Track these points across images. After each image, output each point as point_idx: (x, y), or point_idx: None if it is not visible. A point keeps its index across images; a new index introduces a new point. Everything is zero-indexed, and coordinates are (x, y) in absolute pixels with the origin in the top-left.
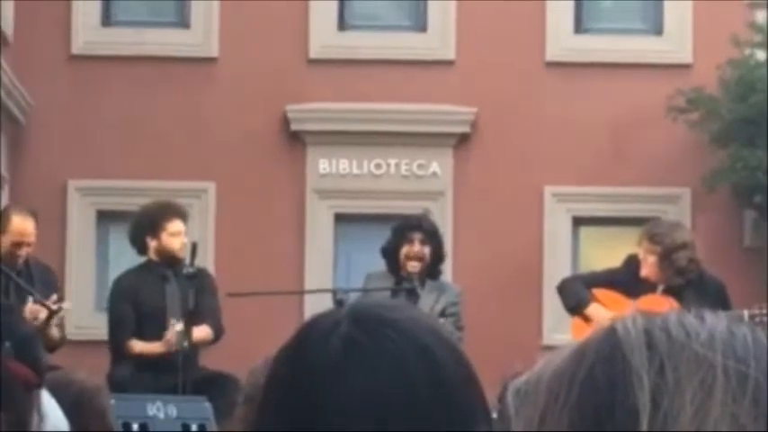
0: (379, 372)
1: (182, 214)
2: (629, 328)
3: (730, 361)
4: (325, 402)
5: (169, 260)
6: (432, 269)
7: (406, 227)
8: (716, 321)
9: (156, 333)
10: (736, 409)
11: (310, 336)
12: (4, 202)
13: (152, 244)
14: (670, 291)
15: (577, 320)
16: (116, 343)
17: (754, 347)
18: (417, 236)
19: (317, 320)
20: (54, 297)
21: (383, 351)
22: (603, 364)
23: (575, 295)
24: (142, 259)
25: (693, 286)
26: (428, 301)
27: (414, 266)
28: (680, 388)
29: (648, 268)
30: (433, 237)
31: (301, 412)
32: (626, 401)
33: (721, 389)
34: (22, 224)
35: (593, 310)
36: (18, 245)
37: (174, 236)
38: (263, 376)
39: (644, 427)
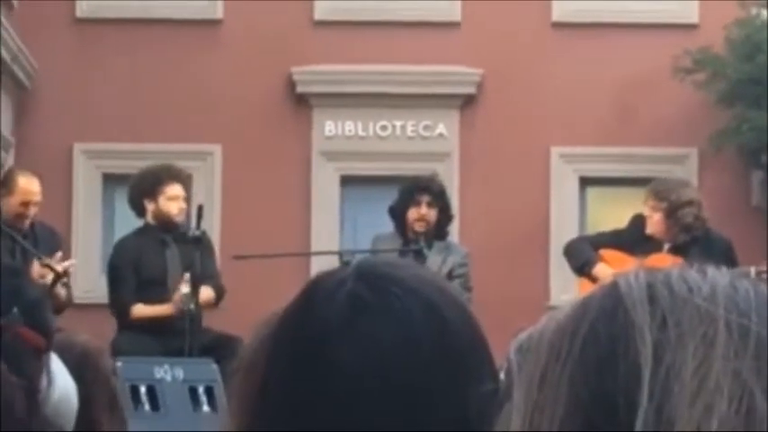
0: (385, 328)
1: (181, 178)
2: (632, 283)
3: (732, 315)
4: (331, 359)
5: (166, 224)
6: (439, 230)
7: (414, 188)
8: (718, 276)
9: (158, 297)
10: (738, 364)
11: (316, 293)
12: (11, 165)
13: (150, 207)
14: (676, 249)
15: (584, 281)
16: (119, 310)
17: (756, 301)
18: (425, 198)
19: (323, 278)
20: (59, 255)
21: (389, 308)
22: (605, 318)
23: (581, 256)
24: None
25: (700, 244)
26: (435, 262)
27: (421, 226)
28: (682, 342)
29: (654, 225)
30: (440, 198)
31: (307, 369)
32: (628, 356)
33: (723, 343)
34: (27, 184)
35: (600, 269)
36: (26, 204)
37: (172, 200)
38: (257, 339)
39: (646, 381)
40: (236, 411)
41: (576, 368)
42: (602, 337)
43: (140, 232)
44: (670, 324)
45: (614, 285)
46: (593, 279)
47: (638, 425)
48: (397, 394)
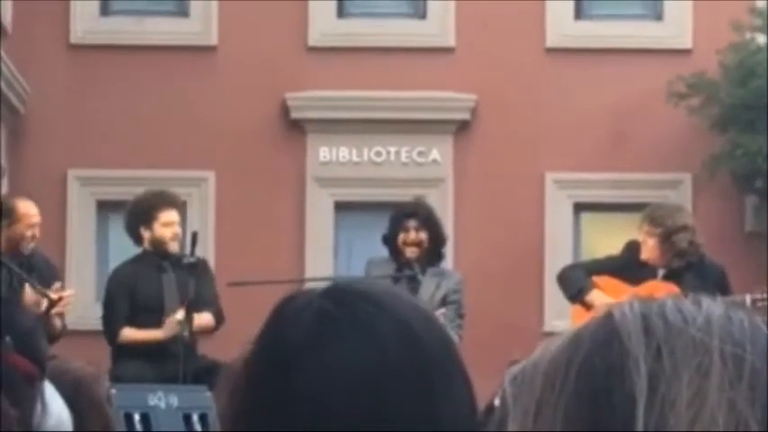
0: (353, 343)
1: (175, 203)
2: (626, 314)
3: (727, 345)
4: (301, 376)
5: (162, 250)
6: (432, 253)
7: (400, 215)
8: (713, 306)
9: (154, 324)
10: (732, 394)
11: (285, 312)
12: (4, 192)
13: (146, 234)
14: (670, 275)
15: (578, 307)
16: (109, 334)
17: (750, 332)
18: (412, 223)
19: (293, 297)
20: (57, 285)
21: (356, 323)
22: (600, 349)
23: (575, 284)
24: (138, 250)
25: (694, 270)
26: (429, 288)
27: (412, 252)
28: (677, 373)
29: (649, 251)
30: (428, 221)
31: (278, 387)
32: (623, 387)
33: (718, 373)
34: (27, 208)
35: (595, 296)
36: (32, 227)
37: (167, 226)
38: (235, 364)
39: (641, 411)
40: (221, 429)
41: (571, 399)
42: (597, 368)
43: (138, 259)
44: (665, 354)
45: (609, 316)
46: (588, 306)
47: None
48: (365, 409)
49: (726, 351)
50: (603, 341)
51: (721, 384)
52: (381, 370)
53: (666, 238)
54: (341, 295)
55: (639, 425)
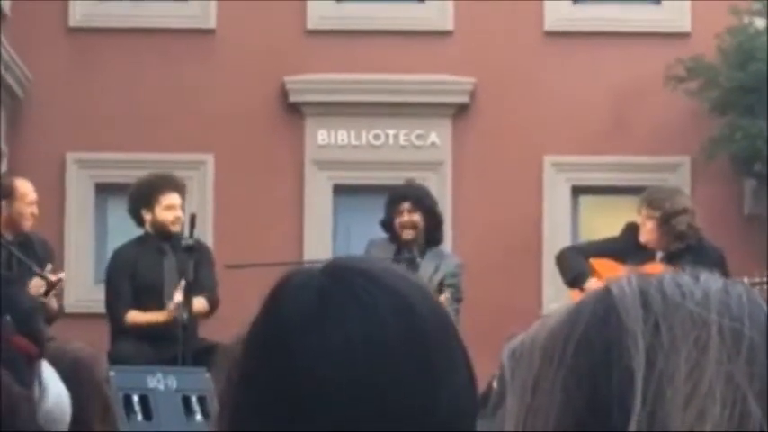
0: (351, 319)
1: (177, 187)
2: (624, 289)
3: (725, 319)
4: (299, 352)
5: (164, 233)
6: (430, 235)
7: (393, 199)
8: (711, 281)
9: (154, 306)
10: (730, 368)
11: (284, 288)
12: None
13: (147, 217)
14: (669, 258)
15: (575, 291)
16: (114, 316)
17: (748, 306)
18: (405, 206)
19: (292, 274)
20: (50, 267)
21: (354, 298)
22: (598, 324)
23: (574, 269)
24: (140, 231)
25: (692, 253)
26: (427, 270)
27: (408, 234)
28: (675, 347)
29: (648, 234)
30: (421, 202)
31: (276, 363)
32: (621, 361)
33: (716, 347)
34: (25, 186)
35: (592, 284)
36: (31, 204)
37: (169, 209)
38: (235, 342)
39: (639, 386)
40: (218, 410)
41: (569, 373)
42: (595, 343)
43: (139, 241)
44: (663, 329)
45: (607, 291)
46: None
47: (632, 429)
48: (365, 385)
49: (724, 325)
50: (602, 316)
51: (719, 358)
52: (379, 345)
53: (665, 221)
54: (339, 272)
55: (637, 398)
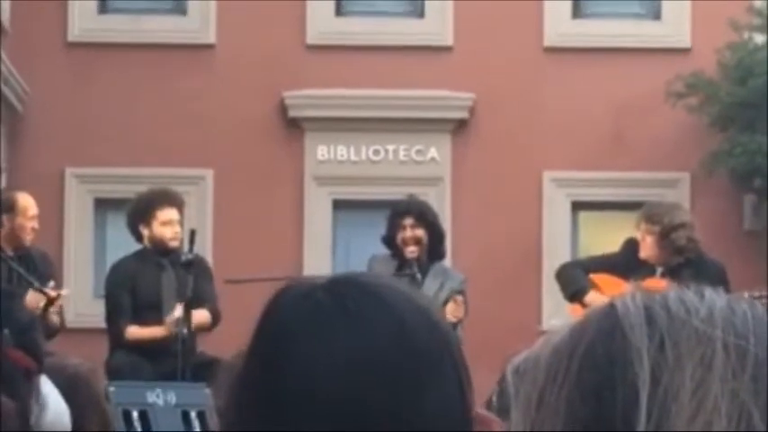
0: (341, 334)
1: (176, 202)
2: (629, 305)
3: (730, 336)
4: (291, 364)
5: (162, 249)
6: (432, 250)
7: (395, 214)
8: (715, 297)
9: (153, 321)
10: (735, 385)
11: (280, 300)
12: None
13: (145, 232)
14: (669, 273)
15: (575, 306)
16: (114, 330)
17: (753, 323)
18: (408, 221)
19: (290, 287)
20: (52, 284)
21: (346, 313)
22: (603, 340)
23: (573, 283)
24: (139, 246)
25: (693, 267)
26: (432, 288)
27: (412, 252)
28: (680, 364)
29: (647, 249)
30: (423, 218)
31: (270, 375)
32: (625, 378)
33: (721, 364)
34: (26, 200)
35: (592, 298)
36: (32, 218)
37: (166, 225)
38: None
39: (643, 403)
40: (221, 420)
41: (573, 390)
42: (599, 359)
43: (138, 255)
44: (668, 346)
45: (612, 307)
46: (586, 307)
47: None
48: (350, 398)
49: (729, 342)
50: (606, 332)
51: (724, 375)
52: (368, 361)
53: (665, 235)
54: (336, 286)
55: (642, 416)
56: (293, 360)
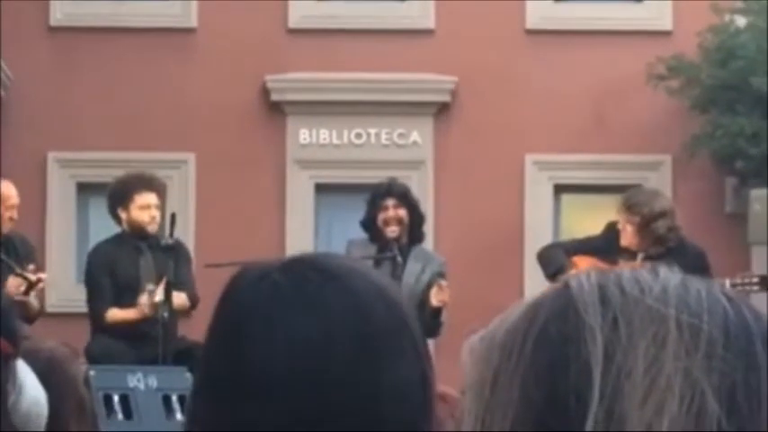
0: (298, 314)
1: (154, 186)
2: (583, 284)
3: (683, 315)
4: (249, 345)
5: (139, 233)
6: (413, 232)
7: (377, 195)
8: (669, 276)
9: (131, 304)
10: (688, 363)
11: (239, 282)
12: None
13: (123, 216)
14: (650, 259)
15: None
16: (94, 313)
17: (707, 301)
18: (390, 201)
19: (248, 269)
20: (32, 267)
21: (303, 294)
22: (557, 319)
23: (554, 263)
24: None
25: (674, 254)
26: (414, 271)
27: (393, 231)
28: (633, 342)
29: (628, 238)
30: (404, 199)
31: (230, 357)
32: (579, 356)
33: (674, 342)
34: (7, 189)
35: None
36: (11, 208)
37: (143, 209)
38: None
39: (596, 381)
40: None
41: (527, 369)
42: (553, 338)
43: (116, 239)
44: (621, 324)
45: (566, 286)
46: None
47: (589, 425)
48: (307, 379)
49: (682, 320)
50: (560, 311)
51: (677, 353)
52: (324, 341)
53: (645, 225)
54: (292, 267)
55: (595, 394)
56: (251, 341)
